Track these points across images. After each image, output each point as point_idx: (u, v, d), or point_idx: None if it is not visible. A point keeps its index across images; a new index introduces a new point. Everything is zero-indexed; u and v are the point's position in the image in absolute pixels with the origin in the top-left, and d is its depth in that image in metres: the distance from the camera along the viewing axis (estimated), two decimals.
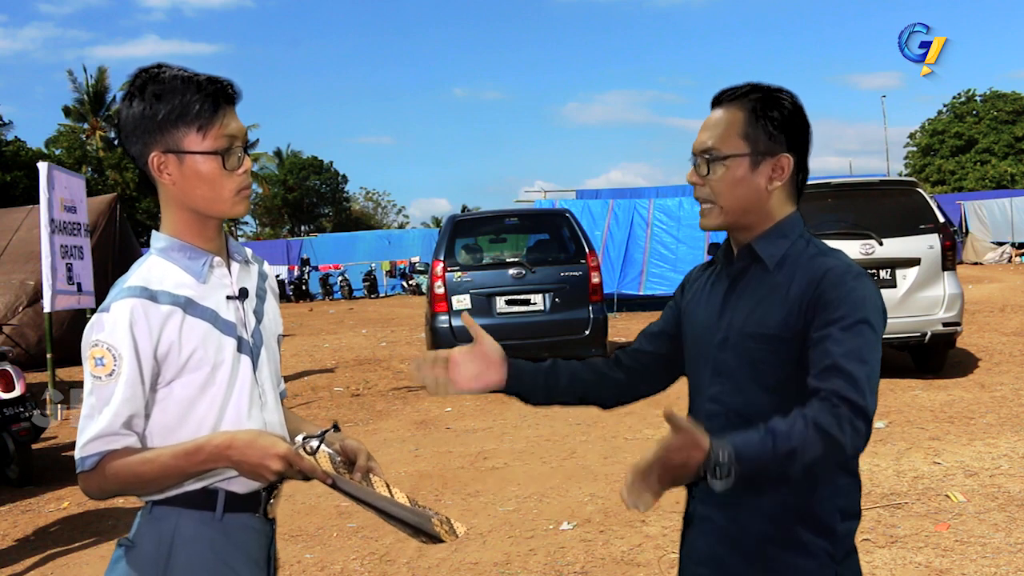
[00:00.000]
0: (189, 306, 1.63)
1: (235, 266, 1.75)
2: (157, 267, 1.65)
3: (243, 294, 1.74)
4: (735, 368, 1.64)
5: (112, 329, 1.58)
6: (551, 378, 1.85)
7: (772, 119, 1.64)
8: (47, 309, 8.45)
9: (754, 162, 1.64)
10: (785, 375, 1.59)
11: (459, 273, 8.74)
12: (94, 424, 1.58)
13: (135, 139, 1.65)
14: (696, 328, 1.76)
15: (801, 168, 1.69)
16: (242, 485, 1.68)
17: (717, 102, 1.70)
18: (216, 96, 1.64)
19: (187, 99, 1.62)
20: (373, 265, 28.76)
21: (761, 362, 1.61)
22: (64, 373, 10.96)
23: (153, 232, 1.72)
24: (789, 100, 1.67)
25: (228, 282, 1.72)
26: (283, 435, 1.76)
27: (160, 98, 1.62)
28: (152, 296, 1.60)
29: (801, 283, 1.60)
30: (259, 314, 1.77)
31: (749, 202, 1.65)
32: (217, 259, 1.71)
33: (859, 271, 1.60)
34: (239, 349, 1.69)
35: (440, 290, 8.67)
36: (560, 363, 1.88)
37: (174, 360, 1.61)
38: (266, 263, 1.92)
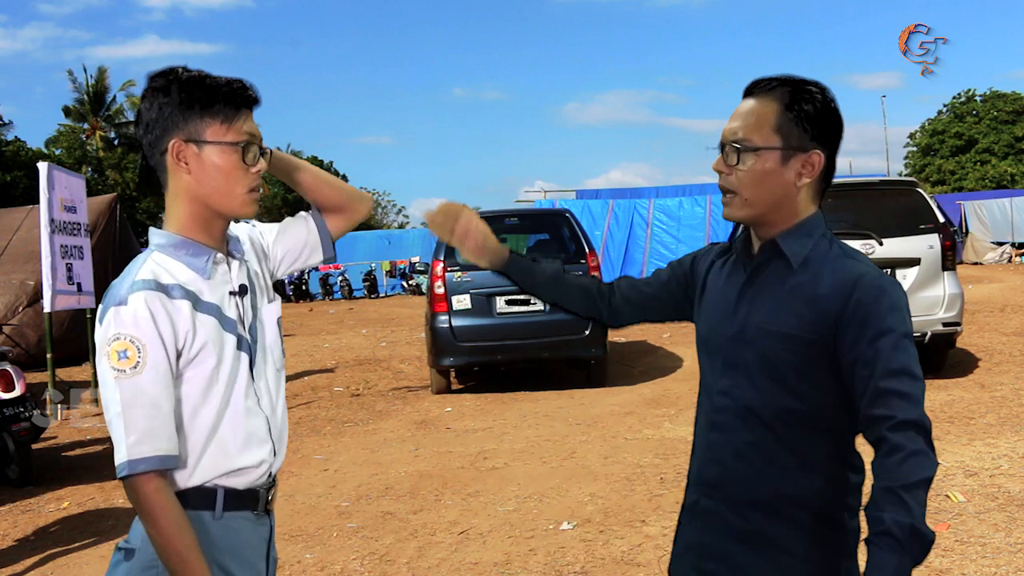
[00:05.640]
0: (197, 301, 1.64)
1: (234, 263, 1.76)
2: (162, 263, 1.65)
3: (243, 291, 1.74)
4: (751, 364, 1.62)
5: (133, 321, 1.56)
6: (540, 275, 1.96)
7: (806, 114, 1.61)
8: (47, 309, 8.44)
9: (785, 157, 1.60)
10: (806, 376, 1.58)
11: (459, 273, 8.73)
12: (134, 424, 1.54)
13: (155, 127, 1.65)
14: (710, 318, 1.74)
15: (830, 165, 1.66)
16: (241, 482, 1.69)
17: (750, 92, 1.66)
18: (241, 93, 1.67)
19: (213, 92, 1.64)
20: (373, 265, 28.74)
21: (780, 361, 1.59)
22: (64, 373, 10.94)
23: (152, 229, 1.71)
24: (822, 95, 1.63)
25: (230, 278, 1.73)
26: (277, 435, 1.76)
27: (186, 89, 1.64)
28: (165, 290, 1.60)
29: (830, 286, 1.57)
30: (256, 309, 1.78)
31: (776, 197, 1.62)
32: (219, 255, 1.72)
33: (891, 279, 1.58)
34: (238, 347, 1.69)
35: (440, 290, 8.67)
36: (554, 273, 1.96)
37: (185, 355, 1.61)
38: (242, 224, 1.90)
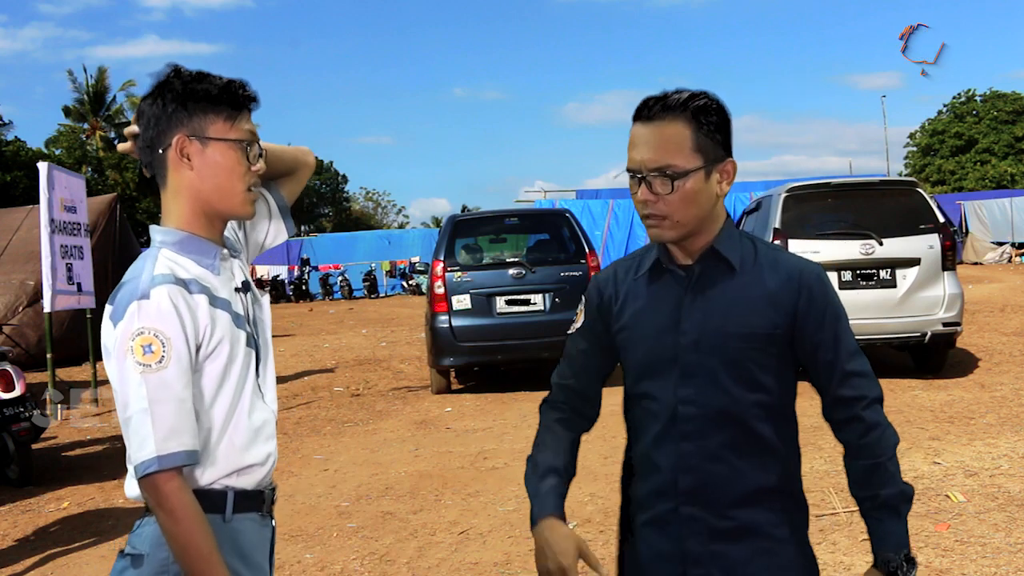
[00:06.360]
0: (212, 297, 1.64)
1: (234, 260, 1.77)
2: (173, 259, 1.64)
3: (246, 287, 1.75)
4: (715, 368, 1.66)
5: (157, 315, 1.53)
6: (565, 484, 1.82)
7: (714, 126, 1.65)
8: (47, 309, 8.44)
9: (707, 172, 1.65)
10: (770, 370, 1.67)
11: (459, 273, 8.74)
12: (161, 420, 1.51)
13: (158, 123, 1.65)
14: (647, 335, 1.72)
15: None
16: (249, 481, 1.69)
17: (647, 117, 1.65)
18: (242, 92, 1.68)
19: (216, 90, 1.65)
20: (373, 265, 28.78)
21: (748, 361, 1.65)
22: (64, 373, 10.94)
23: (154, 227, 1.69)
24: (716, 103, 1.67)
25: (233, 275, 1.73)
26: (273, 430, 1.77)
27: (191, 85, 1.64)
28: (184, 284, 1.59)
29: (777, 281, 1.67)
30: (258, 306, 1.79)
31: (704, 211, 1.67)
32: (224, 251, 1.72)
33: (819, 265, 1.73)
34: (247, 343, 1.70)
35: (440, 290, 8.67)
36: (556, 469, 1.80)
37: (203, 350, 1.61)
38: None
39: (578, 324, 1.85)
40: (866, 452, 1.65)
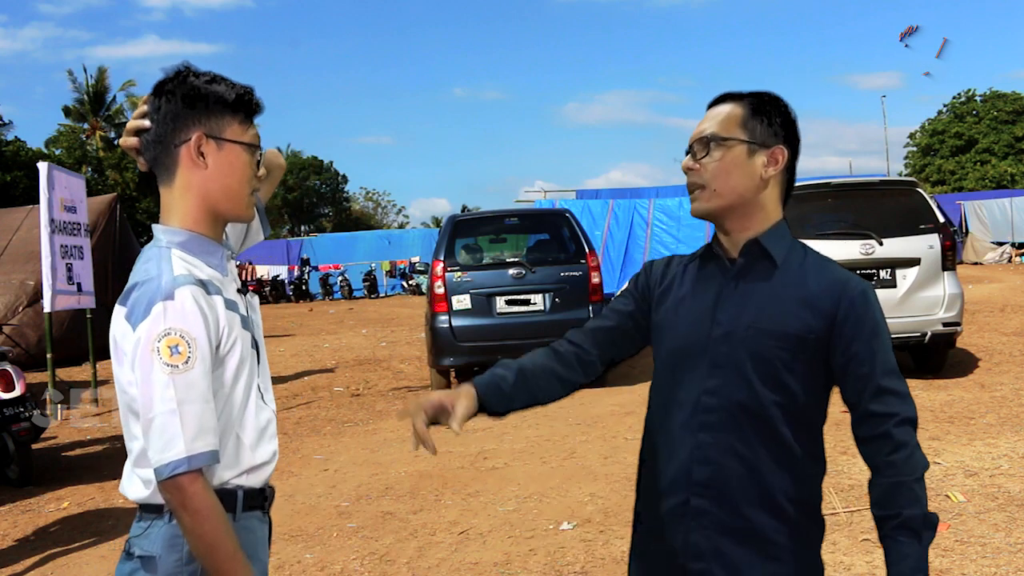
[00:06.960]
0: (225, 298, 1.64)
1: (232, 261, 1.78)
2: (185, 259, 1.64)
3: (244, 288, 1.76)
4: (743, 363, 1.64)
5: (182, 316, 1.53)
6: (515, 396, 1.77)
7: (771, 115, 1.69)
8: (47, 309, 8.44)
9: (751, 150, 1.67)
10: (796, 373, 1.63)
11: (459, 273, 8.74)
12: (190, 420, 1.51)
13: (175, 119, 1.64)
14: (685, 325, 1.73)
15: (790, 172, 1.72)
16: (256, 480, 1.69)
17: (715, 103, 1.75)
18: (254, 99, 1.70)
19: (234, 94, 1.66)
20: (373, 265, 28.78)
21: (775, 360, 1.63)
22: (64, 373, 10.94)
23: (160, 227, 1.68)
24: (785, 105, 1.73)
25: (234, 276, 1.75)
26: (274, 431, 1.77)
27: (210, 87, 1.65)
28: (203, 285, 1.60)
29: (819, 287, 1.65)
30: (252, 308, 1.80)
31: (744, 187, 1.67)
32: (227, 252, 1.73)
33: (868, 282, 1.70)
34: (251, 344, 1.71)
35: (440, 290, 8.68)
36: (524, 377, 1.77)
37: (221, 350, 1.61)
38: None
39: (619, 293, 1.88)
40: (891, 470, 1.59)
